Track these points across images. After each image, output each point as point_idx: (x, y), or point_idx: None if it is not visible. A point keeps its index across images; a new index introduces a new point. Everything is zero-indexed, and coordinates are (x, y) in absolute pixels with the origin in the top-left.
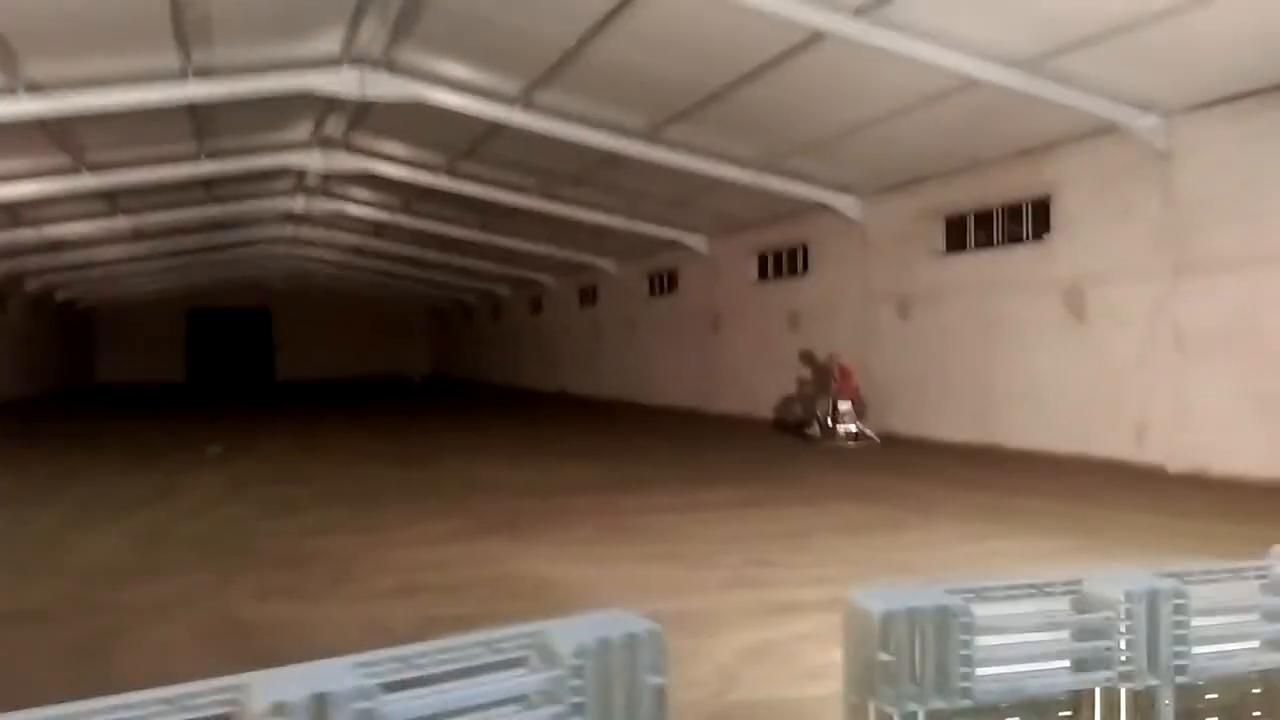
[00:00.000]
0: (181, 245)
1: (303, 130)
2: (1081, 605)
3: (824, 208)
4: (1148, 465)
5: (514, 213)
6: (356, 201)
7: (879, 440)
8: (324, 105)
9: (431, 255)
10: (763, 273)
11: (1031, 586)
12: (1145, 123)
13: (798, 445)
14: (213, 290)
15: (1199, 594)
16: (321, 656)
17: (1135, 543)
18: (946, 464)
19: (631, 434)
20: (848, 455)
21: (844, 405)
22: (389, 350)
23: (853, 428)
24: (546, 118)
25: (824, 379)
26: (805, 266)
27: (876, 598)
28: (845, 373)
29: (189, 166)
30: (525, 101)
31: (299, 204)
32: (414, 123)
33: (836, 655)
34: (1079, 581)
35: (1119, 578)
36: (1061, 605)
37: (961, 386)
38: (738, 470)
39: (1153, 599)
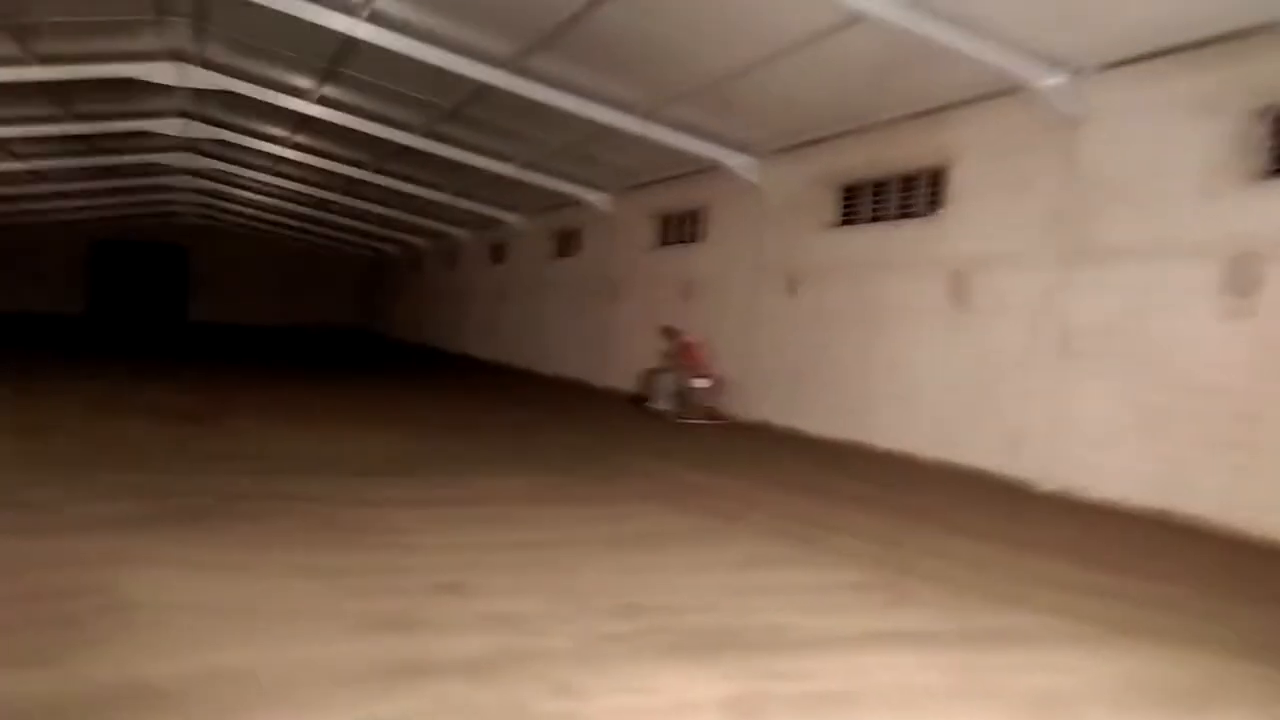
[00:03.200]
0: (75, 169)
1: (147, 38)
2: None
3: (721, 168)
4: (1017, 480)
5: (404, 153)
6: (233, 128)
7: (726, 423)
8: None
9: (336, 198)
10: (663, 238)
11: None
12: (1052, 82)
13: (654, 424)
14: (123, 223)
15: None
16: None
17: (945, 582)
18: (801, 462)
19: (493, 405)
20: (696, 442)
21: (699, 382)
22: (313, 300)
23: (701, 406)
24: (395, 33)
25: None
26: (702, 233)
27: None
28: (688, 347)
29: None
30: (370, 13)
31: (174, 127)
32: (265, 34)
33: None
34: None
35: None
36: None
37: (839, 376)
38: (564, 455)
39: None
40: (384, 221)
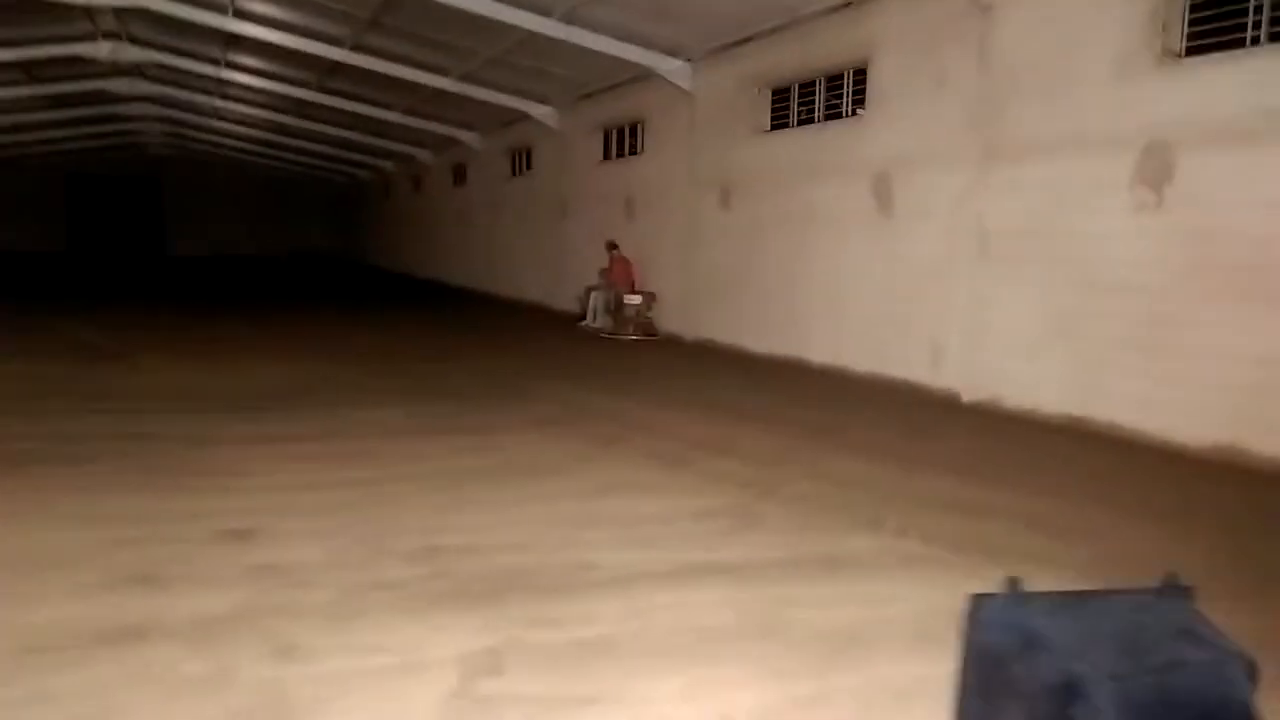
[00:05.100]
0: (24, 99)
1: None
2: None
3: (655, 76)
4: (943, 391)
5: (339, 69)
6: (165, 49)
7: (659, 339)
8: None
9: (291, 121)
10: (607, 152)
11: None
12: None
13: (588, 346)
14: (94, 156)
15: None
16: None
17: (806, 505)
18: (725, 381)
19: (428, 332)
20: (623, 362)
21: (631, 299)
22: (292, 228)
23: (634, 323)
24: None
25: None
26: (641, 146)
27: None
28: (618, 263)
29: None
30: None
31: (103, 50)
32: None
33: None
34: None
35: None
36: None
37: (774, 290)
38: (472, 382)
39: None
40: (345, 144)
